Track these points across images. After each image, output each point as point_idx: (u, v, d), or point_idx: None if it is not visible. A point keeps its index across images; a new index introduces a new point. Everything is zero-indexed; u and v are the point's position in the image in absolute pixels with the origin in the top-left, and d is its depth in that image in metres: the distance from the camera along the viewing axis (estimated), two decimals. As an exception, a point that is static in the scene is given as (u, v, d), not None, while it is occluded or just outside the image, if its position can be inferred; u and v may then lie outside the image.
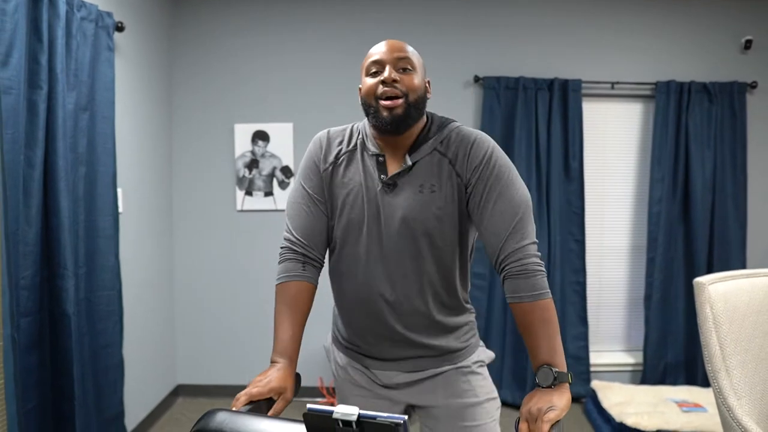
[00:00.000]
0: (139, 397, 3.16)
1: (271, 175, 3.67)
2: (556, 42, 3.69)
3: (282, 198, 3.67)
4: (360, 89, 1.36)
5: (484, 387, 1.45)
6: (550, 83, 3.58)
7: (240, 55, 3.67)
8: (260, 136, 3.66)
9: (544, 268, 1.25)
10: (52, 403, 2.28)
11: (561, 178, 3.63)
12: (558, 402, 1.12)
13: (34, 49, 2.10)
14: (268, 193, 3.69)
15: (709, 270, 3.64)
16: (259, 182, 3.68)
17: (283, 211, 3.65)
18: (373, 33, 3.62)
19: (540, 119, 3.58)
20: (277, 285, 1.36)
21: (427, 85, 1.38)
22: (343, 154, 1.39)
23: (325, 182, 1.39)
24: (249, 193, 3.69)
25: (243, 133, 3.66)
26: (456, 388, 1.43)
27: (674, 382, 3.70)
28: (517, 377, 3.63)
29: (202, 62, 3.68)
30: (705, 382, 3.63)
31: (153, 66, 3.36)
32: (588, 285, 3.74)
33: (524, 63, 3.66)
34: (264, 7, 3.66)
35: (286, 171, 3.66)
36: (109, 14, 2.63)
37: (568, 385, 1.17)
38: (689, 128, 3.61)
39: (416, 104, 1.30)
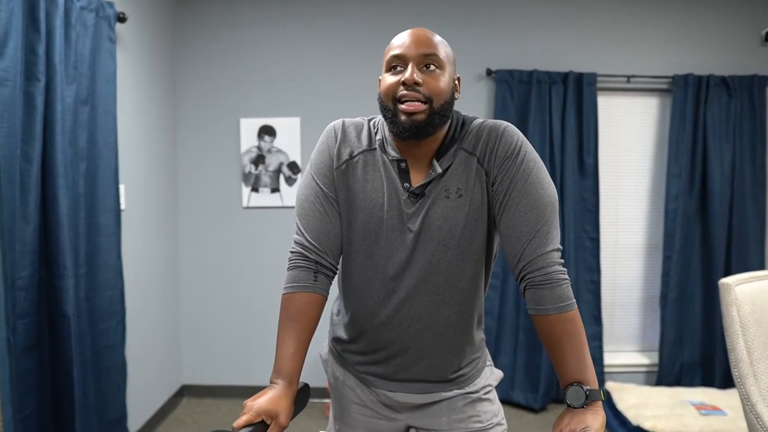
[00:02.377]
0: (142, 399, 3.08)
1: (278, 171, 3.59)
2: (570, 34, 3.58)
3: (289, 195, 3.59)
4: (380, 82, 1.22)
5: (490, 412, 1.36)
6: (565, 77, 3.48)
7: (246, 48, 3.58)
8: (267, 131, 3.57)
9: (568, 277, 1.15)
10: (52, 407, 2.21)
11: (575, 175, 3.54)
12: (593, 422, 1.03)
13: (31, 39, 2.01)
14: (275, 190, 3.60)
15: (727, 268, 3.55)
16: (266, 178, 3.60)
17: (290, 208, 3.58)
18: (382, 24, 3.54)
19: (554, 114, 3.48)
20: (284, 295, 1.22)
21: (457, 83, 1.23)
22: (359, 153, 1.25)
23: (337, 180, 1.25)
24: (255, 189, 3.60)
25: (249, 128, 3.57)
26: (461, 414, 1.33)
27: (690, 383, 3.61)
28: (530, 378, 3.54)
29: (206, 55, 3.59)
30: (722, 384, 3.55)
31: (156, 58, 3.28)
32: (602, 283, 3.64)
33: (538, 56, 3.56)
34: (270, -2, 3.57)
35: (293, 167, 3.57)
36: (111, 4, 2.55)
37: (601, 403, 1.08)
38: (707, 123, 3.51)
39: (442, 110, 1.14)
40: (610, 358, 3.70)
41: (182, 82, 3.60)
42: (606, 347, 3.72)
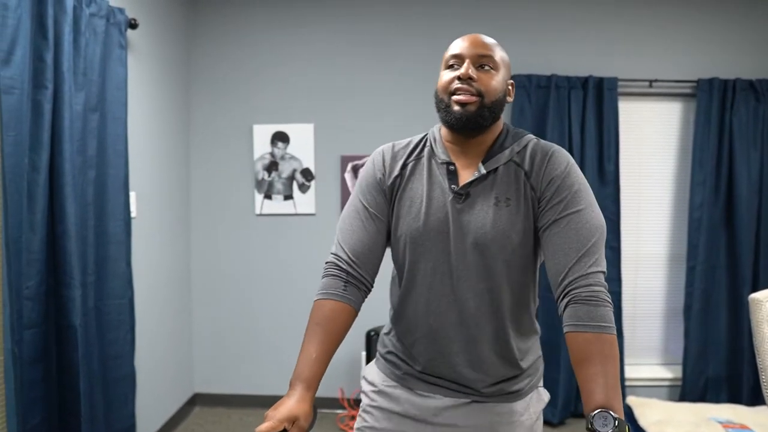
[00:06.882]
0: (153, 408, 3.05)
1: (291, 177, 3.54)
2: (590, 38, 3.49)
3: (302, 202, 3.54)
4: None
5: None
6: (584, 81, 3.39)
7: (259, 53, 3.55)
8: (280, 138, 3.53)
9: (611, 303, 1.11)
10: (58, 418, 2.17)
11: (595, 182, 3.43)
12: None
13: (39, 46, 1.99)
14: (288, 197, 3.56)
15: (755, 280, 3.42)
16: (279, 185, 3.55)
17: (303, 215, 3.55)
18: (396, 30, 3.48)
19: (573, 120, 3.39)
20: (314, 302, 1.25)
21: (510, 87, 1.29)
22: (408, 164, 1.31)
23: (389, 197, 1.30)
24: (268, 196, 3.56)
25: (262, 134, 3.54)
26: None
27: (716, 399, 3.48)
28: (548, 392, 3.43)
29: (220, 60, 3.57)
30: (750, 400, 3.41)
31: (169, 64, 3.26)
32: (623, 294, 3.54)
33: (557, 60, 3.47)
34: (284, 3, 3.53)
35: (307, 174, 3.52)
36: (121, 10, 2.53)
37: None
38: (733, 128, 3.39)
39: (492, 107, 1.21)
40: (631, 372, 3.58)
41: (195, 88, 3.58)
42: (627, 360, 3.61)
